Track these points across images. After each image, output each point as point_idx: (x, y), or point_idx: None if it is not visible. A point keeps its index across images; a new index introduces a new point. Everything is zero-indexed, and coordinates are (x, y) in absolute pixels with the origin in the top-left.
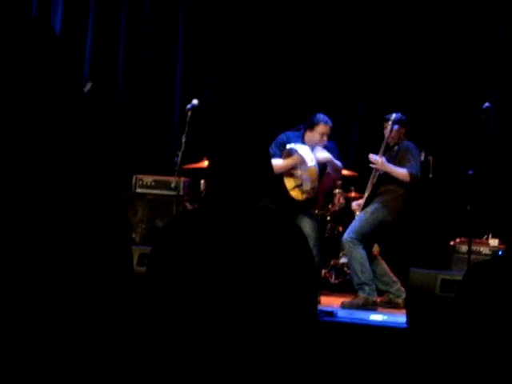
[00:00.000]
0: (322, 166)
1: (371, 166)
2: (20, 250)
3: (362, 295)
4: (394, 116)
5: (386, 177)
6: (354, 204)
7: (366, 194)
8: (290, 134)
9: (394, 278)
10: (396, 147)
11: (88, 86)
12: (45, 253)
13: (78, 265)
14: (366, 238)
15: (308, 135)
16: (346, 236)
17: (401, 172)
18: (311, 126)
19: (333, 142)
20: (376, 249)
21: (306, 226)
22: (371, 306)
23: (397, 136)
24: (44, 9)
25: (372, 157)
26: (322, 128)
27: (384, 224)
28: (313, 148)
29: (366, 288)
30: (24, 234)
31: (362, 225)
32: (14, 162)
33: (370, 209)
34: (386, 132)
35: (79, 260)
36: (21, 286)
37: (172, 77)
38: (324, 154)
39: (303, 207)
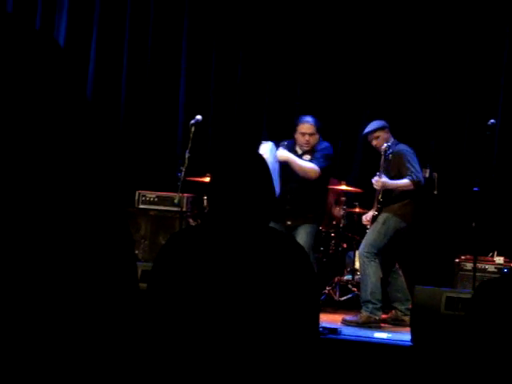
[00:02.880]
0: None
1: (374, 187)
2: (21, 261)
3: (364, 313)
4: (384, 146)
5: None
6: (364, 218)
7: (373, 211)
8: (285, 142)
9: (409, 297)
10: (390, 156)
11: None
12: (48, 267)
13: (81, 280)
14: (381, 250)
15: (296, 138)
16: (361, 250)
17: (403, 184)
18: (294, 128)
19: (326, 143)
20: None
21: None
22: (373, 325)
23: (382, 141)
24: (48, 21)
25: (373, 180)
26: (301, 128)
27: (398, 232)
28: (302, 152)
29: (370, 306)
30: (25, 248)
31: (375, 237)
32: (16, 175)
33: (380, 219)
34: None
35: (83, 275)
36: (21, 302)
37: (176, 92)
38: (281, 154)
39: (298, 219)
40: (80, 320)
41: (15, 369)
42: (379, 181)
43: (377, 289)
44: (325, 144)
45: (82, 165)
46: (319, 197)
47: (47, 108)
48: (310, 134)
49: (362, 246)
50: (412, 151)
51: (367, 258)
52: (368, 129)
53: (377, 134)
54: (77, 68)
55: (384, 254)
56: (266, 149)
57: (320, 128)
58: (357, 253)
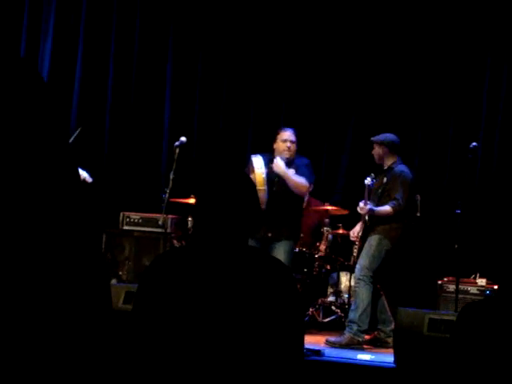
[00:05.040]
0: (281, 180)
1: (359, 212)
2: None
3: (348, 334)
4: (368, 180)
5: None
6: (352, 233)
7: (360, 226)
8: (261, 155)
9: (391, 318)
10: (388, 174)
11: (77, 132)
12: (21, 290)
13: (54, 301)
14: (375, 272)
15: (276, 148)
16: (357, 274)
17: (385, 211)
18: (274, 138)
19: (305, 158)
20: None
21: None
22: (356, 346)
23: (379, 156)
24: (33, 44)
25: (358, 208)
26: (282, 135)
27: (388, 253)
28: (285, 162)
29: (354, 327)
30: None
31: (370, 259)
32: None
33: (373, 241)
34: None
35: (56, 297)
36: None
37: (160, 114)
38: (278, 167)
39: (278, 236)
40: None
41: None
42: (364, 208)
43: (366, 312)
44: (305, 160)
45: (58, 196)
46: (297, 212)
47: (24, 136)
48: (291, 142)
49: (357, 269)
50: (410, 176)
51: (363, 281)
52: (376, 137)
53: (377, 147)
54: (59, 102)
55: (375, 276)
56: (260, 163)
57: (297, 139)
58: (341, 274)
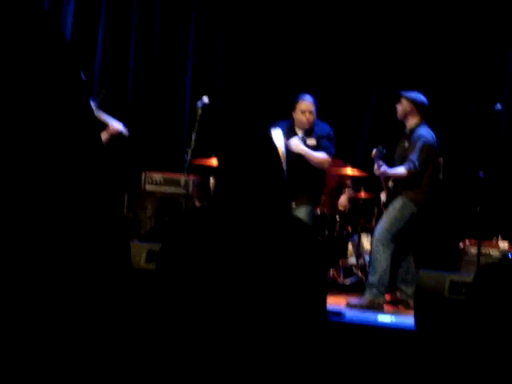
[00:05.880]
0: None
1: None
2: (14, 246)
3: (368, 296)
4: (374, 152)
5: None
6: (383, 196)
7: (384, 195)
8: (281, 123)
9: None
10: (409, 139)
11: (102, 94)
12: (40, 251)
13: (74, 261)
14: (396, 235)
15: (295, 117)
16: (377, 235)
17: (399, 173)
18: (293, 106)
19: (326, 125)
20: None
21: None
22: (376, 308)
23: (402, 113)
24: (56, 5)
25: (374, 169)
26: (301, 105)
27: (413, 217)
28: (303, 132)
29: (374, 290)
30: (18, 230)
31: (391, 222)
32: (11, 159)
33: (396, 205)
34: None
35: (75, 257)
36: (16, 284)
37: (183, 74)
38: (296, 146)
39: (298, 203)
40: (73, 301)
41: (15, 364)
42: (378, 170)
43: (386, 274)
44: (326, 127)
45: (78, 159)
46: (317, 180)
47: (45, 99)
48: (310, 112)
49: (377, 231)
50: (430, 140)
51: (382, 244)
52: (405, 92)
53: (404, 101)
54: (79, 63)
55: (398, 239)
56: (279, 137)
57: (317, 107)
58: (362, 236)
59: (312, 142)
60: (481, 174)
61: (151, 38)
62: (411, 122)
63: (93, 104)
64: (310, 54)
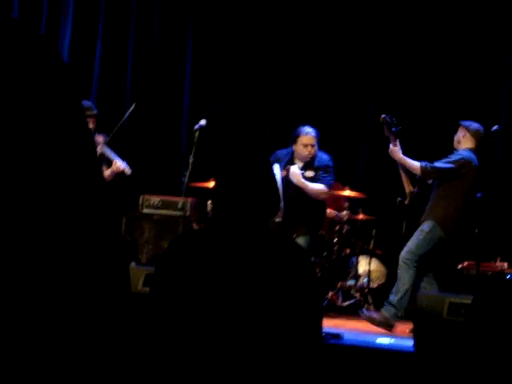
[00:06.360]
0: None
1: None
2: (17, 263)
3: (384, 313)
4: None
5: (438, 192)
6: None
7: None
8: (280, 152)
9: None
10: (394, 131)
11: (131, 108)
12: (40, 275)
13: (73, 285)
14: (422, 257)
15: (295, 149)
16: (403, 254)
17: (411, 165)
18: (294, 139)
19: (325, 155)
20: None
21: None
22: (387, 328)
23: (458, 140)
24: (53, 23)
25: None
26: (303, 139)
27: (441, 241)
28: (303, 164)
29: (392, 310)
30: (20, 251)
31: (419, 244)
32: (12, 179)
33: (426, 227)
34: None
35: (75, 280)
36: (17, 305)
37: (180, 97)
38: (296, 176)
39: (297, 227)
40: (73, 321)
41: (14, 369)
42: (391, 148)
43: (406, 297)
44: (325, 158)
45: (77, 172)
46: (316, 211)
47: (42, 115)
48: (313, 146)
49: (404, 251)
50: (469, 158)
51: (406, 264)
52: (464, 121)
53: (463, 129)
54: (77, 82)
55: (422, 262)
56: (277, 170)
57: (319, 139)
58: (360, 258)
59: (310, 174)
60: (479, 194)
61: (148, 60)
62: (462, 146)
63: (102, 138)
64: (308, 70)
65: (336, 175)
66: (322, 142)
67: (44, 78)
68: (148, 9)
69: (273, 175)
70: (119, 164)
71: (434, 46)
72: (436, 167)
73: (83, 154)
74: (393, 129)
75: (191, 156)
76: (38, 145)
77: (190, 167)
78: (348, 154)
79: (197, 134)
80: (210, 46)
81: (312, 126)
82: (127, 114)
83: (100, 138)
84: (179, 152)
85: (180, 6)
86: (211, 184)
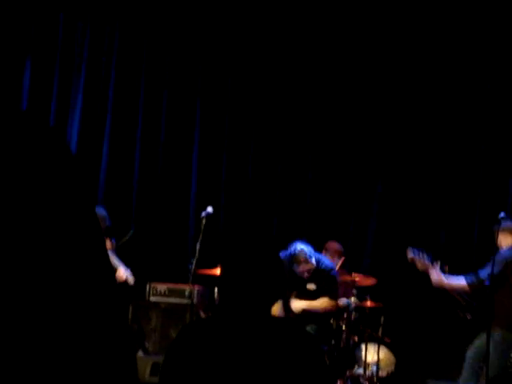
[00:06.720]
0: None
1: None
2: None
3: None
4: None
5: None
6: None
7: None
8: (282, 255)
9: None
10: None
11: (129, 234)
12: (51, 360)
13: (82, 374)
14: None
15: (294, 268)
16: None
17: (457, 285)
18: (290, 260)
19: (325, 264)
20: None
21: None
22: None
23: (500, 240)
24: (61, 118)
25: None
26: (295, 258)
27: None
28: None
29: None
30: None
31: (493, 367)
32: (16, 266)
33: (497, 337)
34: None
35: (83, 369)
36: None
37: (187, 184)
38: (297, 306)
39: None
40: None
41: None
42: (435, 280)
43: None
44: (325, 266)
45: (86, 262)
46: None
47: (50, 206)
48: (306, 261)
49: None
50: (509, 256)
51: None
52: (494, 226)
53: (501, 231)
54: (85, 174)
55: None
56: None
57: (310, 253)
58: (368, 346)
59: (312, 286)
60: (487, 282)
61: (155, 148)
62: (503, 243)
63: (109, 244)
64: (313, 154)
65: (343, 261)
66: (330, 226)
67: (53, 170)
68: (155, 101)
69: (278, 262)
70: (122, 273)
71: (438, 125)
72: (482, 277)
73: (90, 242)
74: (425, 259)
75: (198, 243)
76: (47, 235)
77: (197, 254)
78: (356, 235)
79: (204, 221)
80: (217, 132)
81: (304, 240)
82: (125, 238)
83: (108, 244)
84: (186, 239)
85: (187, 97)
86: (218, 271)
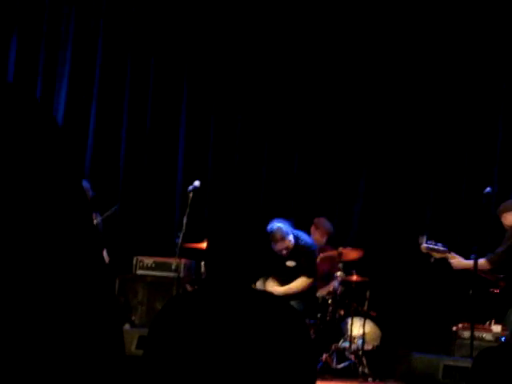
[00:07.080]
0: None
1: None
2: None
3: None
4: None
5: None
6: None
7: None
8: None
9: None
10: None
11: (114, 208)
12: (32, 337)
13: (67, 348)
14: None
15: (272, 246)
16: None
17: (480, 265)
18: (270, 241)
19: (304, 240)
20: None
21: None
22: None
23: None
24: (48, 88)
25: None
26: (271, 237)
27: None
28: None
29: None
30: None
31: None
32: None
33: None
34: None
35: (68, 343)
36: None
37: (174, 158)
38: (276, 292)
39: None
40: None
41: None
42: (454, 263)
43: None
44: (304, 243)
45: (72, 235)
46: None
47: (35, 178)
48: (283, 239)
49: None
50: None
51: None
52: (501, 206)
53: (504, 214)
54: (72, 146)
55: None
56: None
57: (287, 231)
58: (354, 319)
59: (291, 263)
60: (473, 256)
61: (143, 121)
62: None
63: (94, 216)
64: (301, 134)
65: (330, 237)
66: (317, 203)
67: (38, 142)
68: (142, 73)
69: (264, 236)
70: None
71: (424, 108)
72: (501, 254)
73: (77, 215)
74: (441, 248)
75: (185, 217)
76: (32, 208)
77: (184, 228)
78: (341, 212)
79: (191, 195)
80: (204, 106)
81: (281, 217)
82: (109, 212)
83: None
84: (173, 213)
85: (174, 69)
86: (205, 245)
